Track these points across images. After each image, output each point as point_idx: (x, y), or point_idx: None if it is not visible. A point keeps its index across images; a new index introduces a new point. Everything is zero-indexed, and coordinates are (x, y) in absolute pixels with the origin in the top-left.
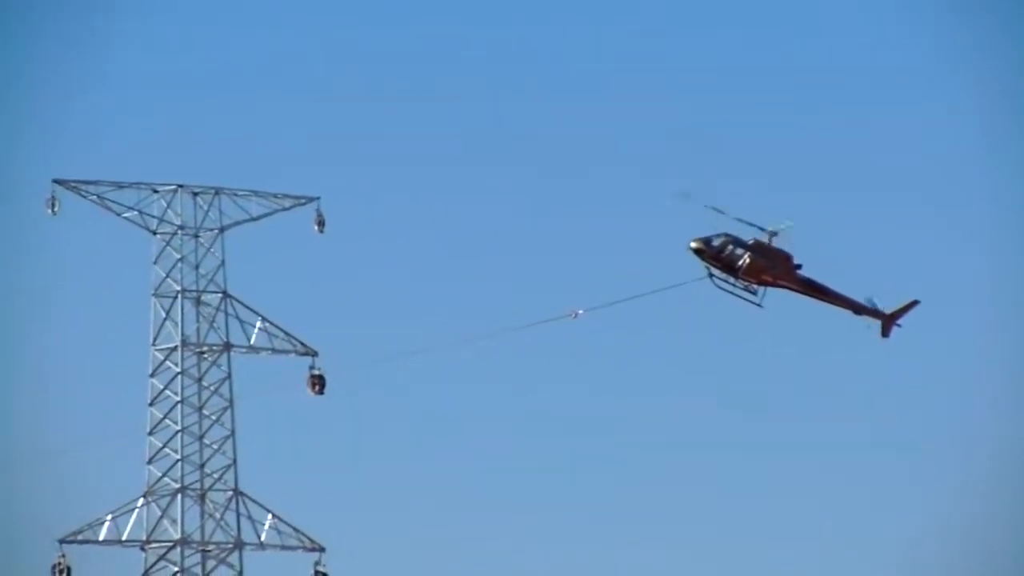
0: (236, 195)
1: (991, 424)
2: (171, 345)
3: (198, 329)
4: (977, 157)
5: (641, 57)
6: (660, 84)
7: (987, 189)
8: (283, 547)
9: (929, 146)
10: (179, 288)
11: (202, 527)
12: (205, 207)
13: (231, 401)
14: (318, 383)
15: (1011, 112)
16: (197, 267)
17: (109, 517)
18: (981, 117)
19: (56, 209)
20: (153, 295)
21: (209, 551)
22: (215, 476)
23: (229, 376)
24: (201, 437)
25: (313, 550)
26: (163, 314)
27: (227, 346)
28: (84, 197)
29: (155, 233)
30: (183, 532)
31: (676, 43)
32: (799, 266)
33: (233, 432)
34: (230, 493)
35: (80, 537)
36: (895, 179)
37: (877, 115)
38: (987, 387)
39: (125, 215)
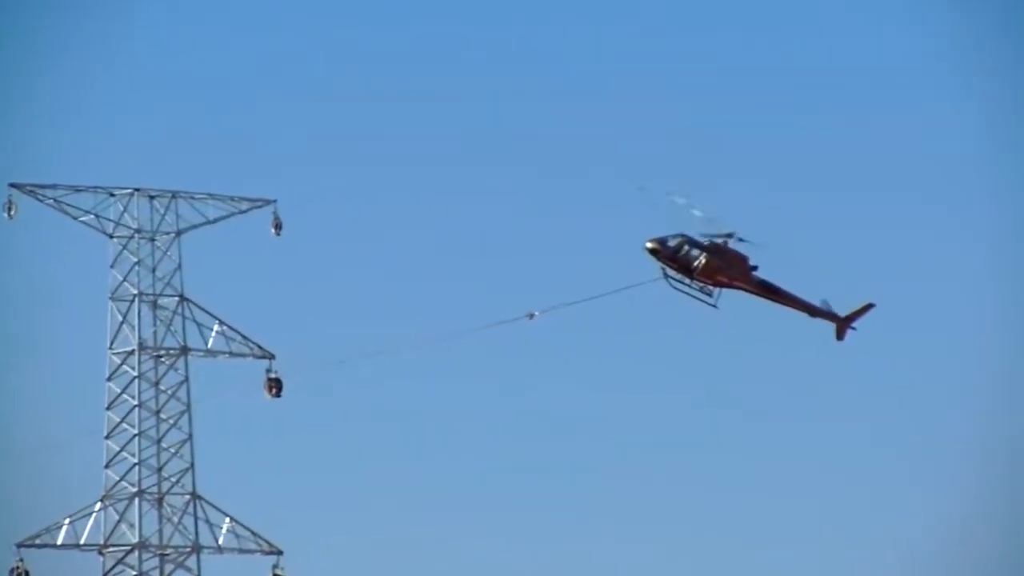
0: (193, 198)
1: (984, 423)
2: (128, 349)
3: (155, 333)
4: (976, 157)
5: (635, 56)
6: (642, 83)
7: (985, 189)
8: (241, 550)
9: (929, 146)
10: (136, 291)
11: (160, 531)
12: (162, 210)
13: (188, 405)
14: (275, 386)
15: (1012, 111)
16: (154, 270)
17: (67, 521)
18: (981, 117)
19: (13, 213)
20: (110, 298)
21: (167, 555)
22: (173, 480)
23: (186, 379)
24: (159, 441)
25: (271, 553)
26: (120, 318)
27: (184, 349)
28: (41, 201)
29: (112, 236)
30: (141, 536)
31: (673, 42)
32: (755, 268)
33: (191, 436)
34: (188, 497)
35: (38, 541)
36: (893, 179)
37: (877, 115)
38: (981, 386)
39: (82, 219)
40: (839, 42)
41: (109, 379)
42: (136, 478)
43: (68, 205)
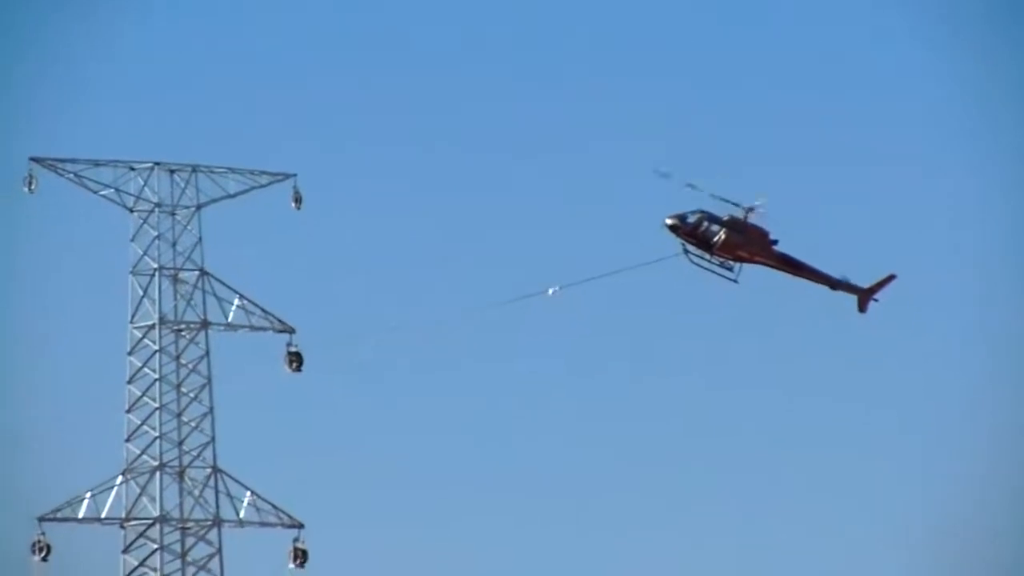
0: (213, 172)
1: (1008, 397)
2: (149, 323)
3: (176, 307)
4: (1003, 135)
5: (627, 37)
6: (639, 63)
7: (1012, 164)
8: (262, 524)
9: (951, 121)
10: (156, 266)
11: (181, 504)
12: (182, 184)
13: (209, 378)
14: (295, 360)
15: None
16: (174, 244)
17: (88, 495)
18: (978, 111)
19: (33, 187)
20: (131, 273)
21: (188, 528)
22: (193, 453)
23: (207, 353)
24: (179, 415)
25: (292, 527)
26: (140, 292)
27: (205, 323)
28: (61, 175)
29: (132, 211)
30: (162, 509)
31: (662, 23)
32: (775, 242)
33: (211, 409)
34: (208, 470)
35: (59, 515)
36: (915, 154)
37: (890, 89)
38: (1004, 360)
39: (102, 193)
40: (861, 19)
41: (130, 353)
42: (157, 452)
43: (88, 179)
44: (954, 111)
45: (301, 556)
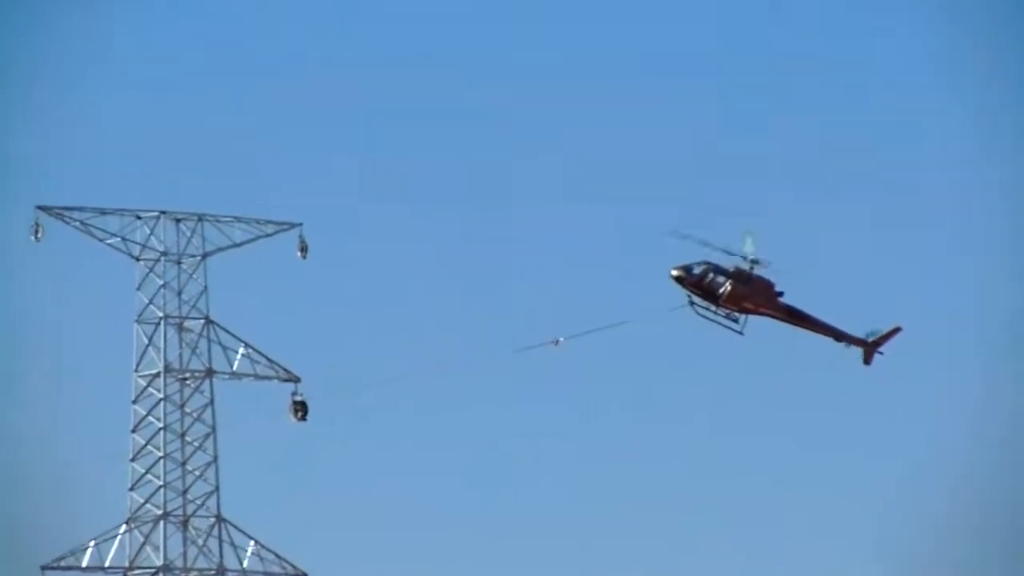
0: (219, 221)
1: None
2: (154, 371)
3: (181, 355)
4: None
5: (627, 37)
6: (639, 62)
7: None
8: (265, 573)
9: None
10: (162, 314)
11: (184, 553)
12: (188, 233)
13: (214, 427)
14: (300, 409)
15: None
16: (180, 293)
17: (92, 543)
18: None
19: (40, 235)
20: (136, 321)
21: None
22: (198, 502)
23: (212, 402)
24: (184, 463)
25: None
26: (146, 340)
27: (210, 372)
28: (68, 223)
29: (138, 259)
30: (166, 558)
31: (662, 23)
32: (781, 293)
33: (216, 458)
34: (212, 519)
35: (63, 563)
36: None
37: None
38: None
39: (108, 241)
40: (861, 19)
41: (135, 402)
42: (161, 501)
43: (94, 228)
44: (954, 111)
45: None
